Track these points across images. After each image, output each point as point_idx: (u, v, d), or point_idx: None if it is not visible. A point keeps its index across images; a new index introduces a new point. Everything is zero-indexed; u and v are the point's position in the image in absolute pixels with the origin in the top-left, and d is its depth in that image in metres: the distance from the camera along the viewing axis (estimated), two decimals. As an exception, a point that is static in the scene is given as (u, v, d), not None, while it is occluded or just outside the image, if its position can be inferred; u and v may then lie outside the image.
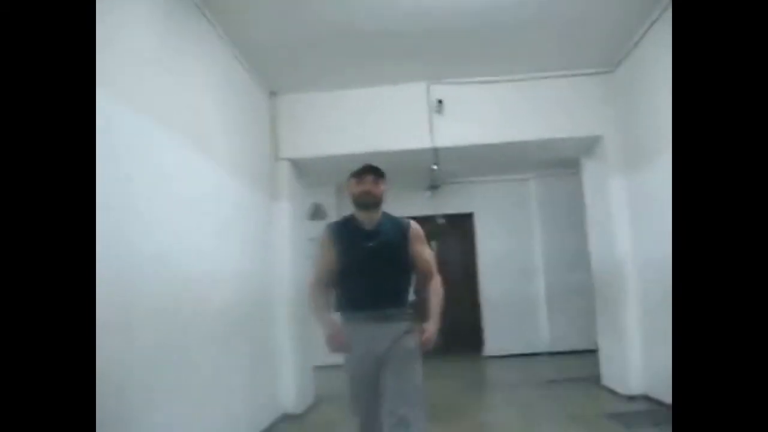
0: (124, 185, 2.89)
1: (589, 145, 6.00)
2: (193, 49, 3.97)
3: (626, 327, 5.55)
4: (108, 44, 2.79)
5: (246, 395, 4.63)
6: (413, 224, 2.90)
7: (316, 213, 8.89)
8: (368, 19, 4.48)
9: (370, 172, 2.84)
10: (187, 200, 3.68)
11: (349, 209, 2.94)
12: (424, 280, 2.89)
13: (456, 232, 9.70)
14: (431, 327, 2.78)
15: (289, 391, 5.50)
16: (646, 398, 5.26)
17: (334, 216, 7.84)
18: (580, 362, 7.13)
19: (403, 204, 8.34)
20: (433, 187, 8.97)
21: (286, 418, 5.34)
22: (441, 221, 9.56)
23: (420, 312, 2.85)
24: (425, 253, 2.90)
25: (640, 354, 5.43)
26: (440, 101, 5.68)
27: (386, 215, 2.90)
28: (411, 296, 2.85)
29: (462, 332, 9.21)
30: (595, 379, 6.15)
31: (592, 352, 6.48)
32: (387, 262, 2.77)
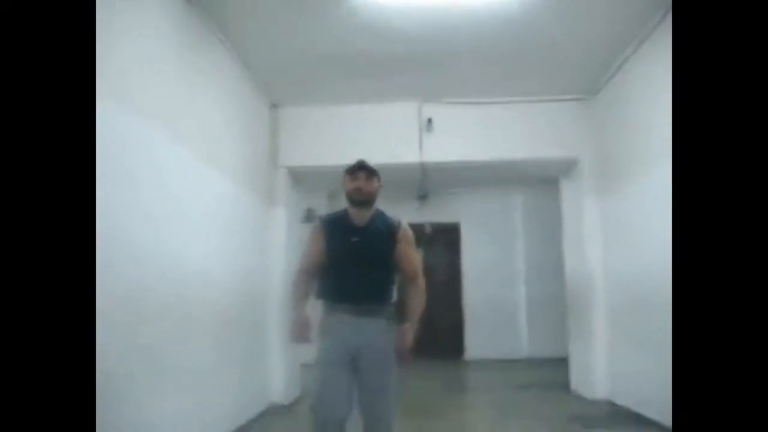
0: (135, 191, 3.25)
1: (567, 167, 6.44)
2: (204, 65, 4.36)
3: (593, 336, 5.98)
4: (129, 61, 3.18)
5: (239, 386, 5.01)
6: (404, 225, 2.91)
7: (309, 217, 9.27)
8: (365, 42, 4.89)
9: (362, 169, 2.88)
10: (191, 205, 4.05)
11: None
12: (408, 281, 2.90)
13: (442, 241, 10.10)
14: (408, 332, 2.80)
15: (278, 384, 5.88)
16: (609, 402, 5.69)
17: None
18: (555, 369, 7.51)
19: (392, 212, 8.80)
20: (422, 197, 9.39)
21: (275, 408, 5.72)
22: (428, 230, 9.96)
23: (400, 312, 2.88)
24: (411, 255, 2.90)
25: (605, 361, 5.86)
26: (430, 120, 6.10)
27: (379, 213, 2.93)
28: (393, 295, 2.88)
29: (444, 337, 9.65)
30: (564, 385, 6.57)
31: (568, 360, 6.89)
32: (371, 259, 2.80)
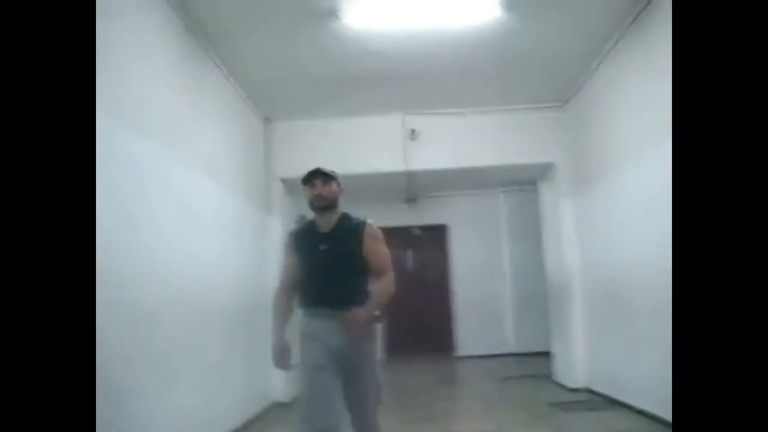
0: (146, 206, 3.62)
1: (544, 170, 6.86)
2: (204, 86, 4.74)
3: (572, 328, 6.41)
4: (139, 87, 3.57)
5: (243, 383, 5.39)
6: (368, 224, 2.93)
7: (301, 222, 9.66)
8: (351, 61, 5.27)
9: (317, 176, 2.90)
10: (196, 217, 4.42)
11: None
12: (377, 276, 2.90)
13: (431, 243, 10.49)
14: (361, 311, 2.73)
15: (279, 382, 6.25)
16: (588, 390, 6.11)
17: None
18: (540, 362, 7.89)
19: (382, 216, 9.18)
20: (410, 200, 9.80)
21: (276, 406, 6.10)
22: (417, 232, 10.36)
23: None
24: (379, 251, 2.91)
25: (584, 352, 6.29)
26: (413, 130, 6.51)
27: (345, 217, 2.96)
28: (368, 293, 2.89)
29: (435, 334, 10.07)
30: (547, 376, 7.00)
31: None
32: (340, 264, 2.84)
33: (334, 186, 2.92)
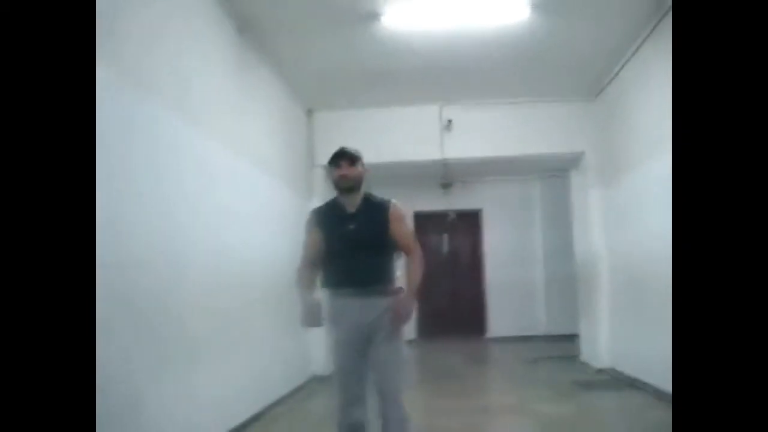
0: (211, 193, 4.06)
1: (574, 160, 7.11)
2: (252, 82, 5.13)
3: (598, 311, 6.70)
4: (201, 88, 3.98)
5: (285, 357, 5.84)
6: (393, 204, 2.98)
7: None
8: (390, 57, 5.59)
9: (343, 157, 2.93)
10: (245, 203, 4.84)
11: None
12: (405, 254, 2.98)
13: (465, 227, 10.78)
14: (405, 300, 2.86)
15: (319, 356, 6.70)
16: (612, 370, 6.40)
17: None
18: (569, 344, 8.15)
19: (419, 200, 9.63)
20: (446, 185, 10.09)
21: (316, 379, 6.55)
22: (452, 216, 10.66)
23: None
24: (404, 230, 2.97)
25: (609, 334, 6.57)
26: (450, 121, 6.82)
27: (369, 197, 3.01)
28: (394, 272, 2.99)
29: (468, 315, 10.41)
30: (575, 357, 7.29)
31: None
32: (367, 242, 2.88)
33: (359, 167, 2.95)
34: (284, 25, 4.95)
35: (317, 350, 6.72)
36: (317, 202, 6.94)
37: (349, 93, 6.59)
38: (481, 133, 6.89)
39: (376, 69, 5.86)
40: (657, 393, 5.11)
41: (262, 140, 5.41)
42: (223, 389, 4.09)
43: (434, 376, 6.24)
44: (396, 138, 6.90)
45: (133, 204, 3.03)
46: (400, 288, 2.95)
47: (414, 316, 3.15)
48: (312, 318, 2.88)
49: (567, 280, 9.25)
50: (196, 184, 3.84)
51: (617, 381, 5.96)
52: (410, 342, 9.40)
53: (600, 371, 6.48)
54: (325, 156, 7.14)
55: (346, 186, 2.92)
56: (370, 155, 6.69)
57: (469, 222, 10.76)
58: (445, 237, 10.80)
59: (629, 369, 6.04)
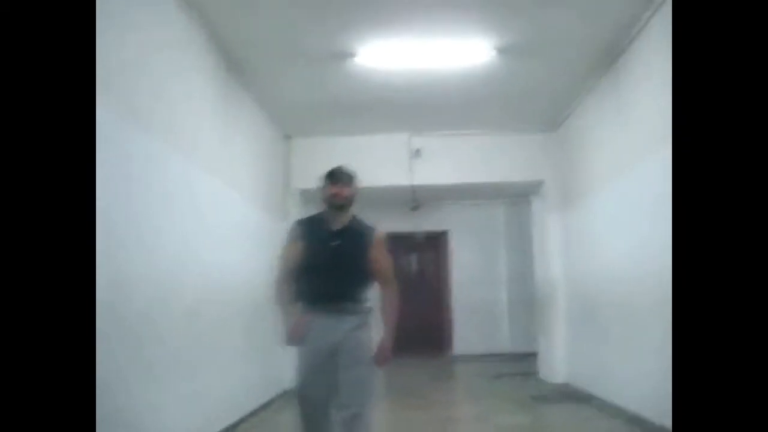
0: (196, 216, 4.36)
1: (535, 187, 7.59)
2: (234, 110, 5.45)
3: (554, 330, 7.15)
4: (186, 115, 4.29)
5: (258, 373, 6.12)
6: (378, 231, 3.02)
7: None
8: (364, 91, 5.99)
9: (340, 175, 2.98)
10: (221, 225, 5.09)
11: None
12: (381, 284, 3.01)
13: (433, 247, 11.20)
14: (385, 342, 2.94)
15: (290, 372, 6.96)
16: (567, 386, 6.82)
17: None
18: (530, 362, 8.54)
19: (388, 221, 9.94)
20: (414, 207, 10.49)
21: (288, 393, 6.82)
22: (420, 238, 11.05)
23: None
24: (384, 260, 2.99)
25: (565, 352, 7.01)
26: (418, 150, 7.25)
27: (356, 219, 3.03)
28: (367, 293, 3.01)
29: (433, 333, 10.79)
30: (534, 374, 7.70)
31: (536, 352, 8.03)
32: (347, 262, 2.90)
33: (353, 187, 2.99)
34: (267, 62, 5.33)
35: (288, 365, 6.99)
36: (290, 223, 7.29)
37: (325, 121, 6.98)
38: (447, 161, 7.32)
39: (350, 101, 6.25)
40: (605, 405, 5.54)
41: (243, 166, 5.74)
42: (200, 400, 4.36)
43: (400, 391, 6.59)
44: (367, 164, 7.18)
45: (127, 226, 3.31)
46: (370, 308, 3.00)
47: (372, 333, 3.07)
48: (295, 338, 2.90)
49: (529, 301, 9.69)
50: (183, 208, 4.15)
51: (571, 395, 6.38)
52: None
53: (556, 386, 6.90)
54: (301, 179, 7.59)
55: (337, 204, 2.94)
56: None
57: (436, 243, 11.16)
58: (413, 257, 11.19)
59: (582, 384, 6.48)
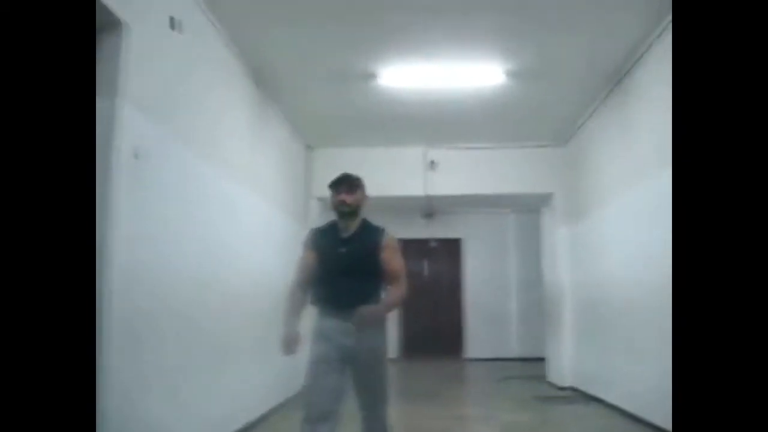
0: (232, 222, 4.79)
1: (545, 199, 7.95)
2: (263, 124, 5.88)
3: (562, 335, 7.48)
4: (223, 131, 4.71)
5: (276, 372, 6.49)
6: (388, 234, 3.04)
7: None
8: (383, 106, 6.38)
9: (344, 182, 3.02)
10: (251, 230, 5.51)
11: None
12: (391, 282, 3.01)
13: (446, 254, 11.57)
14: (374, 308, 2.86)
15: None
16: (573, 389, 7.16)
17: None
18: (539, 366, 8.87)
19: (402, 228, 10.38)
20: (428, 215, 10.91)
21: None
22: (434, 244, 11.45)
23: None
24: (395, 261, 3.01)
25: (572, 356, 7.35)
26: (433, 161, 7.63)
27: (366, 223, 3.07)
28: (380, 298, 3.01)
29: (446, 337, 11.15)
30: (542, 377, 8.04)
31: (544, 356, 8.36)
32: (356, 267, 2.93)
33: (359, 194, 3.04)
34: (294, 80, 5.75)
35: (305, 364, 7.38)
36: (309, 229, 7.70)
37: (346, 134, 7.39)
38: (461, 172, 7.69)
39: (370, 116, 6.66)
40: (607, 407, 5.88)
41: (269, 174, 6.16)
42: (216, 396, 4.72)
43: (414, 391, 6.97)
44: (385, 174, 7.66)
45: (175, 230, 3.74)
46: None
47: (387, 336, 3.11)
48: (288, 347, 2.97)
49: (538, 307, 10.04)
50: (220, 215, 4.57)
51: (574, 397, 6.72)
52: (392, 361, 10.13)
53: (562, 389, 7.24)
54: (321, 188, 7.95)
55: (344, 211, 2.99)
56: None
57: (450, 250, 11.54)
58: (426, 263, 11.56)
59: (586, 387, 6.82)
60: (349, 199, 2.98)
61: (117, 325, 2.96)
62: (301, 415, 2.85)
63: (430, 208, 10.21)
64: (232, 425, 4.83)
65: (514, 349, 10.87)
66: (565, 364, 7.43)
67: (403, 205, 9.39)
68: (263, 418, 5.55)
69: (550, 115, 6.76)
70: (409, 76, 5.57)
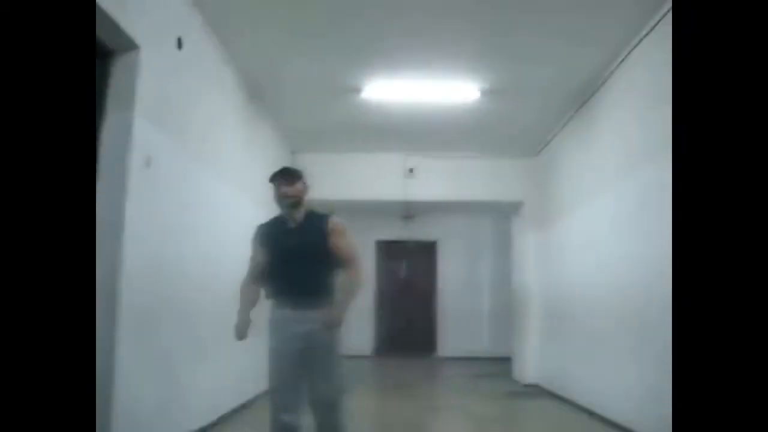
0: (229, 222, 5.17)
1: (515, 207, 8.44)
2: (253, 133, 6.26)
3: (528, 335, 7.99)
4: (219, 139, 5.09)
5: (264, 360, 6.88)
6: (333, 219, 3.06)
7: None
8: (365, 117, 6.80)
9: (283, 175, 3.08)
10: (243, 233, 5.86)
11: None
12: (346, 266, 3.03)
13: (423, 255, 12.01)
14: (337, 309, 2.92)
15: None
16: (537, 386, 7.65)
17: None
18: (508, 365, 9.31)
19: (382, 230, 10.91)
20: (407, 217, 11.34)
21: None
22: (411, 246, 11.88)
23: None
24: (344, 243, 3.03)
25: (536, 356, 7.84)
26: (411, 169, 8.07)
27: (311, 213, 3.11)
28: (333, 285, 3.06)
29: (420, 336, 11.60)
30: (509, 374, 8.53)
31: (511, 355, 8.85)
32: (306, 255, 2.97)
33: (299, 185, 3.08)
34: (283, 93, 6.15)
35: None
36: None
37: (329, 141, 7.79)
38: (437, 180, 8.15)
39: (353, 125, 7.08)
40: (566, 402, 6.37)
41: (258, 179, 6.51)
42: (200, 383, 5.14)
43: (389, 385, 7.41)
44: (366, 179, 8.12)
45: (168, 232, 4.12)
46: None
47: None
48: (240, 332, 3.06)
49: (509, 308, 10.52)
50: (215, 218, 4.96)
51: (537, 393, 7.22)
52: (367, 358, 10.56)
53: (527, 386, 7.73)
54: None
55: (287, 203, 3.06)
56: (343, 191, 7.89)
57: (426, 251, 11.97)
58: (403, 263, 11.99)
59: (549, 384, 7.31)
60: (290, 190, 3.04)
61: (125, 320, 3.33)
62: (270, 407, 2.98)
63: (408, 211, 10.65)
64: (229, 404, 5.31)
65: (486, 349, 11.30)
66: (530, 364, 7.93)
67: (383, 208, 9.83)
68: (257, 398, 5.94)
69: (521, 130, 7.25)
70: (391, 91, 6.00)
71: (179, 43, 4.05)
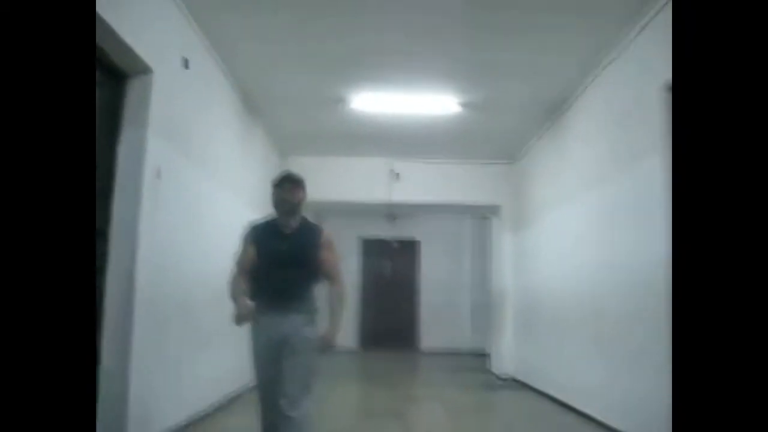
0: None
1: (494, 209, 8.91)
2: (246, 136, 6.65)
3: (504, 331, 8.48)
4: (215, 144, 5.49)
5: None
6: (326, 232, 3.15)
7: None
8: (353, 125, 7.21)
9: (286, 180, 3.12)
10: (233, 230, 6.28)
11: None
12: (330, 282, 3.11)
13: (406, 254, 12.47)
14: (331, 332, 3.03)
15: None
16: (512, 378, 8.14)
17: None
18: (487, 359, 9.78)
19: (367, 228, 11.34)
20: (391, 217, 11.78)
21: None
22: (395, 245, 12.33)
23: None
24: (332, 259, 3.12)
25: (511, 350, 8.33)
26: (397, 173, 8.51)
27: (306, 221, 3.18)
28: (314, 292, 3.13)
29: (403, 331, 12.07)
30: (487, 368, 9.01)
31: (488, 350, 9.33)
32: (296, 263, 3.02)
33: (299, 193, 3.13)
34: (276, 103, 6.56)
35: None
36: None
37: (319, 145, 8.21)
38: (421, 183, 8.60)
39: (341, 132, 7.50)
40: (539, 393, 6.86)
41: (253, 184, 6.94)
42: (201, 370, 5.56)
43: (372, 376, 7.86)
44: (353, 181, 8.55)
45: (176, 238, 4.52)
46: (317, 307, 3.14)
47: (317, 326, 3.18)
48: (243, 317, 2.99)
49: (488, 305, 11.00)
50: (217, 224, 5.36)
51: (512, 385, 7.71)
52: (351, 352, 11.00)
53: (503, 379, 8.22)
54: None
55: (285, 209, 3.09)
56: (331, 193, 8.30)
57: (409, 250, 12.44)
58: (387, 262, 12.44)
59: (523, 377, 7.80)
60: (291, 197, 3.08)
61: (139, 315, 3.73)
62: (257, 404, 3.11)
63: (393, 212, 11.09)
64: (227, 390, 5.71)
65: (466, 344, 11.75)
66: (506, 358, 8.41)
67: (368, 209, 10.26)
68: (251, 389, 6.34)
69: (499, 140, 7.72)
70: (376, 102, 6.42)
71: (186, 64, 4.45)
